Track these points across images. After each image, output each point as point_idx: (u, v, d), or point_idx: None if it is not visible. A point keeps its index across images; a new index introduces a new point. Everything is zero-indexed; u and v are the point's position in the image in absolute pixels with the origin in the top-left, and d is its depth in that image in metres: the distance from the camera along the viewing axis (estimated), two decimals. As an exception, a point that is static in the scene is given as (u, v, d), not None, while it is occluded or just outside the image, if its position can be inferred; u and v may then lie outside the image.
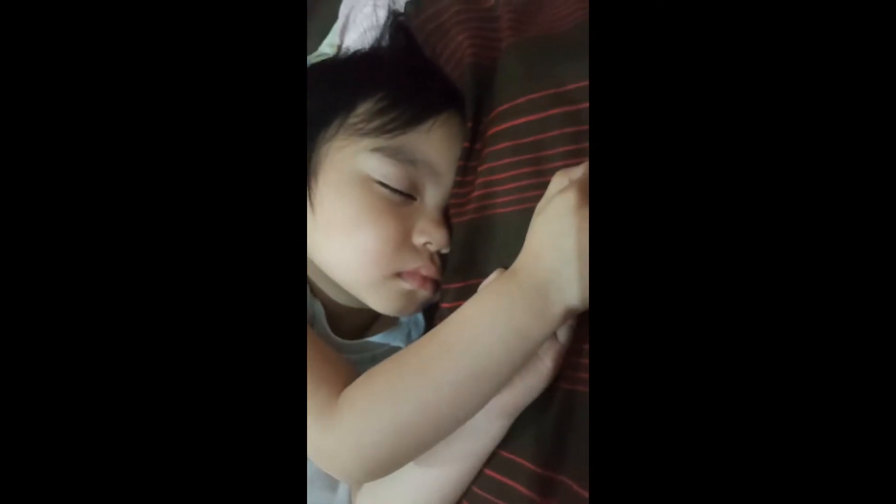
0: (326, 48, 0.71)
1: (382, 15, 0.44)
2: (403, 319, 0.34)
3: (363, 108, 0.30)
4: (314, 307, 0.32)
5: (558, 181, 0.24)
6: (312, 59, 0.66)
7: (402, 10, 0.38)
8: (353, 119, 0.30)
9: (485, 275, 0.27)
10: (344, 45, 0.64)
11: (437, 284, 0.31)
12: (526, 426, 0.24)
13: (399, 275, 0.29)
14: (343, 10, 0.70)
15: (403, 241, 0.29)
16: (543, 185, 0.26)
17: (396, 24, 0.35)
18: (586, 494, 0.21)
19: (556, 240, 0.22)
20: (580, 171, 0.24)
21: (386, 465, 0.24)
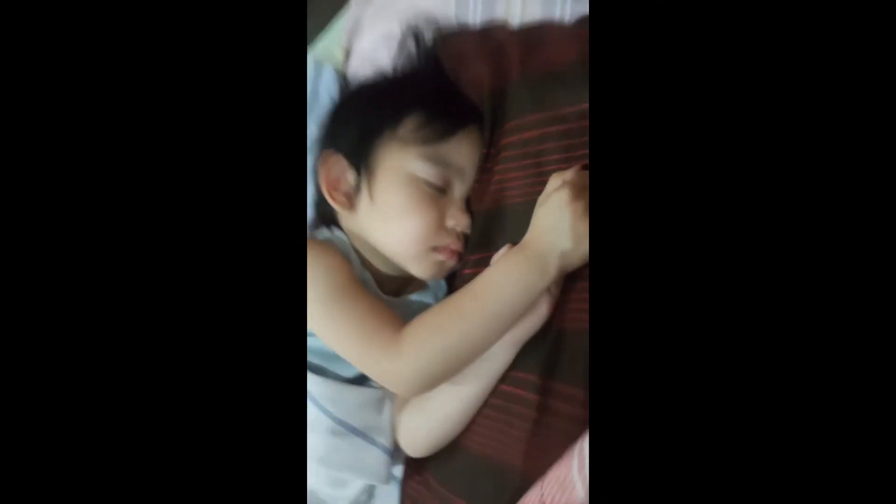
0: (335, 48, 0.76)
1: (397, 30, 0.52)
2: (431, 283, 0.44)
3: (408, 123, 0.39)
4: (364, 275, 0.41)
5: (554, 181, 0.34)
6: (321, 57, 0.72)
7: (428, 36, 0.46)
8: (400, 131, 0.39)
9: (496, 249, 0.37)
10: (353, 48, 0.70)
11: (460, 256, 0.40)
12: (529, 352, 0.34)
13: (435, 249, 0.39)
14: (352, 14, 0.75)
15: (439, 224, 0.39)
16: (542, 184, 0.35)
17: (428, 53, 0.44)
18: (573, 391, 0.31)
19: (555, 224, 0.32)
20: (571, 173, 0.34)
21: (437, 380, 0.34)
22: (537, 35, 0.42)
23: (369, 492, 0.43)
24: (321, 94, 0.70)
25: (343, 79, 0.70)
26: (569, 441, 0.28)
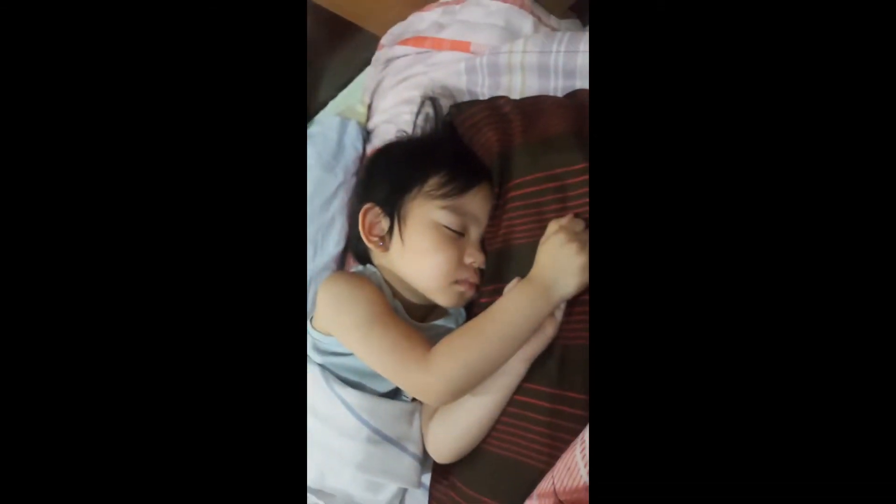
0: (357, 104, 0.87)
1: (416, 96, 0.62)
2: (452, 311, 0.51)
3: (433, 181, 0.48)
4: (395, 304, 0.49)
5: (552, 226, 0.42)
6: (345, 112, 0.82)
7: (444, 105, 0.56)
8: (427, 188, 0.48)
9: (507, 282, 0.44)
10: (375, 106, 0.80)
11: (477, 288, 0.48)
12: (538, 367, 0.41)
13: (456, 282, 0.47)
14: (373, 75, 0.86)
15: (459, 261, 0.47)
16: (542, 229, 0.44)
17: (445, 120, 0.54)
18: (576, 396, 0.37)
19: (554, 260, 0.40)
20: (566, 220, 0.42)
21: (461, 391, 0.41)
22: (535, 106, 0.51)
23: (401, 496, 0.49)
24: (346, 146, 0.79)
25: (365, 132, 0.80)
26: (574, 436, 0.35)
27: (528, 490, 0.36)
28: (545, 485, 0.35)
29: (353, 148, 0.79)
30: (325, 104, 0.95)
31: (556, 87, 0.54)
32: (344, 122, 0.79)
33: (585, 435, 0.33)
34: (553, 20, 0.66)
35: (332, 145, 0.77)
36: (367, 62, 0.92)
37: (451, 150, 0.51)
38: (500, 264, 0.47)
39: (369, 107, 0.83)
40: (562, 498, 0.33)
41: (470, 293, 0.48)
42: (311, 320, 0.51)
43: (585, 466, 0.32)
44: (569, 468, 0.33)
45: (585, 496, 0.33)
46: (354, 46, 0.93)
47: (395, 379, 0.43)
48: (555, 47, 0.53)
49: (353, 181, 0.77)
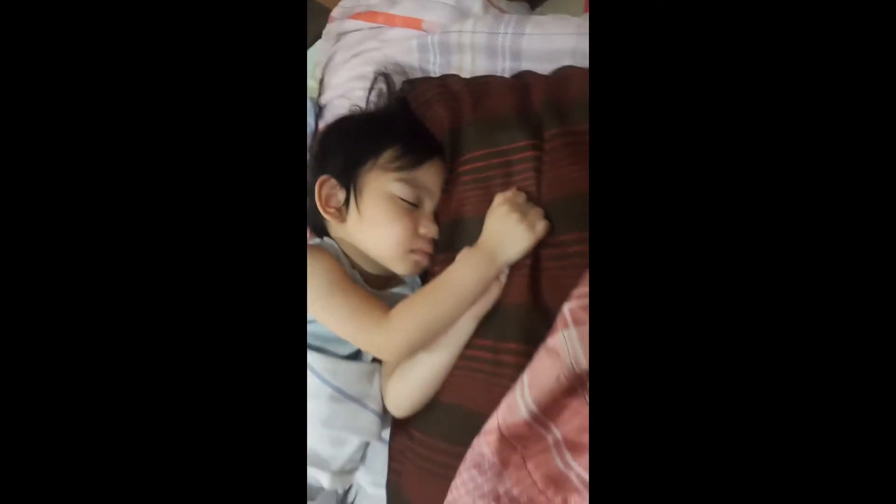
0: (309, 80, 0.85)
1: (369, 72, 0.63)
2: (408, 279, 0.55)
3: (388, 154, 0.50)
4: (353, 274, 0.51)
5: (497, 199, 0.47)
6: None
7: (398, 81, 0.58)
8: (381, 161, 0.50)
9: (457, 251, 0.48)
10: (327, 82, 0.80)
11: (431, 257, 0.52)
12: (484, 324, 0.46)
13: (412, 251, 0.50)
14: (324, 50, 0.84)
15: (414, 232, 0.50)
16: (489, 201, 0.48)
17: (399, 97, 0.55)
18: (516, 347, 0.42)
19: (499, 230, 0.45)
20: (510, 193, 0.46)
21: (417, 347, 0.45)
22: (484, 86, 0.55)
23: (363, 450, 0.53)
24: (298, 121, 0.79)
25: (318, 107, 0.79)
26: (514, 382, 0.40)
27: (477, 430, 0.42)
28: (491, 423, 0.40)
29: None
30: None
31: (504, 67, 0.57)
32: (296, 95, 0.78)
33: (524, 378, 0.38)
34: (502, 2, 0.68)
35: (284, 119, 0.76)
36: (317, 35, 0.90)
37: (405, 125, 0.53)
38: (452, 235, 0.50)
39: (321, 81, 0.82)
40: (504, 432, 0.39)
41: (425, 262, 0.52)
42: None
43: (524, 404, 0.38)
44: (510, 407, 0.38)
45: (524, 429, 0.38)
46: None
47: (355, 340, 0.46)
48: (502, 29, 0.56)
49: (307, 157, 0.77)
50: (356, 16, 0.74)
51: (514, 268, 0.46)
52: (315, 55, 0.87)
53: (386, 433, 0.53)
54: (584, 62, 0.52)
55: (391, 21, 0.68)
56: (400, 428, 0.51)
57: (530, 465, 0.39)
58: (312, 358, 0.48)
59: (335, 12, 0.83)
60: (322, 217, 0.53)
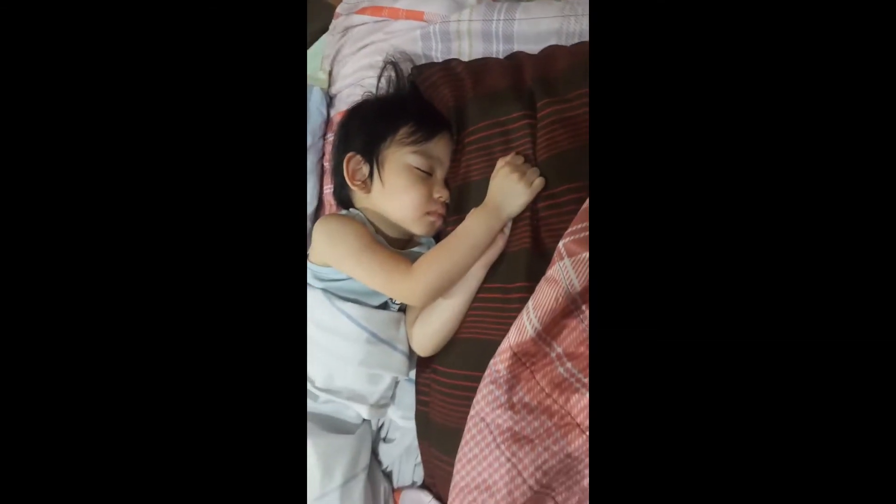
0: (319, 72, 0.92)
1: (378, 61, 0.70)
2: (424, 240, 0.63)
3: (403, 131, 0.58)
4: (379, 238, 0.59)
5: (499, 163, 0.55)
6: (313, 81, 0.88)
7: (406, 68, 0.66)
8: (398, 137, 0.58)
9: (467, 211, 0.56)
10: (337, 73, 0.87)
11: (444, 218, 0.60)
12: (494, 270, 0.54)
13: (428, 213, 0.58)
14: (331, 43, 0.91)
15: (429, 196, 0.58)
16: (492, 166, 0.56)
17: (409, 81, 0.63)
18: (520, 285, 0.50)
19: (502, 188, 0.53)
20: (510, 157, 0.54)
21: (438, 293, 0.53)
22: (482, 67, 0.62)
23: (393, 388, 0.62)
24: (312, 111, 0.86)
25: (328, 97, 0.87)
26: (520, 311, 0.48)
27: (491, 356, 0.50)
28: (503, 345, 0.48)
29: (318, 112, 0.86)
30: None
31: (498, 50, 0.65)
32: (308, 88, 0.85)
33: (530, 304, 0.47)
34: (493, -9, 0.75)
35: (299, 110, 0.83)
36: (321, 31, 0.97)
37: (416, 105, 0.61)
38: (461, 198, 0.58)
39: (330, 73, 0.89)
40: (515, 350, 0.47)
41: (439, 223, 0.60)
42: (307, 257, 0.61)
43: (531, 325, 0.46)
44: (519, 329, 0.47)
45: (532, 346, 0.47)
46: (309, 16, 0.97)
47: (386, 290, 0.55)
48: (495, 16, 0.63)
49: (320, 143, 0.85)
50: (361, 11, 0.81)
51: (516, 220, 0.54)
52: (322, 49, 0.94)
53: (412, 373, 0.62)
54: (567, 41, 0.59)
55: (395, 14, 0.75)
56: (424, 366, 0.60)
57: (538, 376, 0.47)
58: (349, 308, 0.56)
59: (340, 8, 0.89)
60: (349, 190, 0.61)
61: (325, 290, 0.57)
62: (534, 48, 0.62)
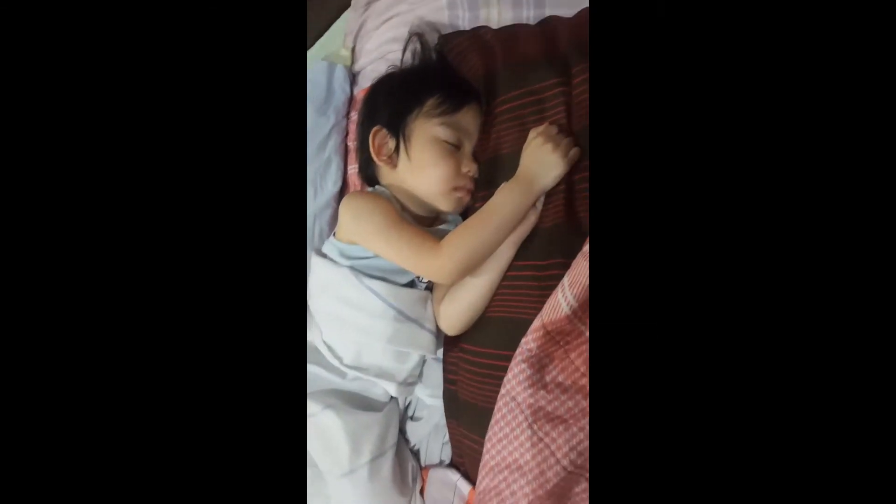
0: (341, 50, 0.91)
1: (403, 32, 0.68)
2: (451, 218, 0.61)
3: (430, 102, 0.56)
4: (405, 216, 0.58)
5: (532, 133, 0.52)
6: (331, 58, 0.87)
7: (432, 38, 0.63)
8: (426, 109, 0.56)
9: (496, 187, 0.54)
10: (360, 49, 0.85)
11: (472, 194, 0.58)
12: (527, 247, 0.52)
13: (455, 189, 0.57)
14: (353, 19, 0.89)
15: (457, 170, 0.56)
16: (523, 139, 0.53)
17: (437, 52, 0.61)
18: (557, 262, 0.48)
19: (535, 160, 0.50)
20: (543, 127, 0.51)
21: (467, 270, 0.52)
22: (512, 33, 0.59)
23: (420, 367, 0.61)
24: (335, 89, 0.85)
25: (351, 74, 0.85)
26: (555, 287, 0.46)
27: (521, 334, 0.48)
28: (536, 323, 0.46)
29: (341, 91, 0.84)
30: (303, 52, 0.98)
31: (529, 16, 0.61)
32: (331, 66, 0.84)
33: (565, 280, 0.45)
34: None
35: (321, 90, 0.82)
36: (344, 7, 0.95)
37: (443, 75, 0.58)
38: (491, 172, 0.56)
39: (353, 50, 0.88)
40: (548, 328, 0.45)
41: (467, 198, 0.58)
42: (333, 235, 0.60)
43: (566, 302, 0.44)
44: (553, 306, 0.45)
45: (566, 324, 0.45)
46: (332, -9, 0.95)
47: (414, 267, 0.54)
48: (525, -20, 0.60)
49: (344, 122, 0.83)
50: (384, -18, 0.79)
51: (550, 193, 0.51)
52: (344, 26, 0.92)
53: (440, 352, 0.61)
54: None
55: (419, -17, 0.73)
56: (452, 345, 0.59)
57: (573, 355, 0.45)
58: (377, 285, 0.55)
59: (362, -18, 0.87)
60: (374, 167, 0.60)
61: (352, 268, 0.56)
62: (568, 12, 0.58)
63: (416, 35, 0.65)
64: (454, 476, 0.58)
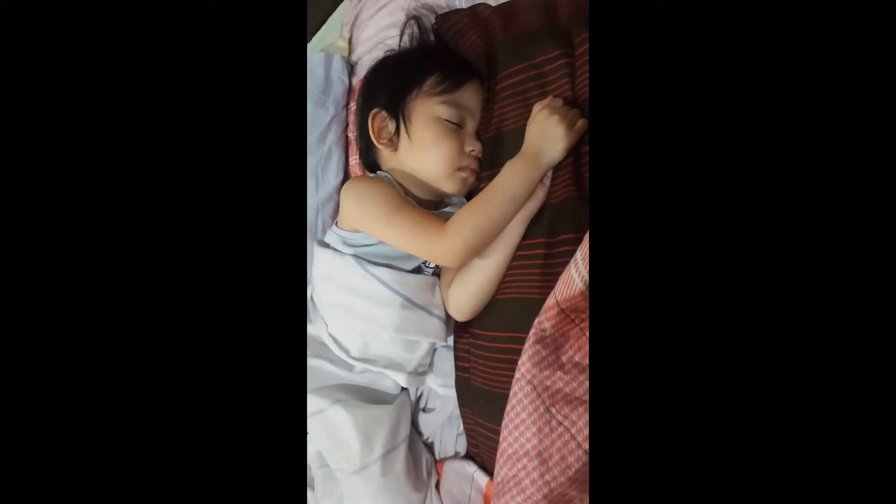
0: (338, 41, 0.90)
1: (400, 18, 0.67)
2: (455, 199, 0.60)
3: (429, 82, 0.54)
4: (410, 200, 0.56)
5: (536, 108, 0.50)
6: (328, 49, 0.86)
7: (429, 19, 0.62)
8: (425, 88, 0.54)
9: (501, 165, 0.52)
10: (357, 38, 0.84)
11: (476, 174, 0.56)
12: (536, 223, 0.50)
13: (459, 169, 0.55)
14: (349, 11, 0.88)
15: (460, 150, 0.54)
16: (527, 114, 0.51)
17: (434, 31, 0.59)
18: (567, 238, 0.46)
19: (541, 133, 0.48)
20: (547, 100, 0.50)
21: (475, 251, 0.50)
22: (511, 8, 0.58)
23: (430, 356, 0.59)
24: (333, 80, 0.84)
25: (349, 65, 0.84)
26: (567, 265, 0.44)
27: (534, 314, 0.46)
28: (549, 301, 0.44)
29: (340, 82, 0.83)
30: (301, 44, 0.98)
31: (528, -9, 0.60)
32: (329, 57, 0.83)
33: (577, 255, 0.43)
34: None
35: (320, 81, 0.81)
36: (338, 1, 0.94)
37: (442, 53, 0.57)
38: (495, 150, 0.54)
39: (349, 41, 0.87)
40: (563, 306, 0.43)
41: (471, 179, 0.56)
42: (336, 224, 0.58)
43: (579, 276, 0.42)
44: (566, 282, 0.43)
45: (581, 301, 0.43)
46: (327, -16, 0.95)
47: (420, 251, 0.52)
48: (523, -45, 0.58)
49: (343, 114, 0.82)
50: (378, -31, 0.78)
51: (558, 168, 0.49)
52: (340, 17, 0.91)
53: (450, 339, 0.59)
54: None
55: (414, -34, 0.71)
56: (462, 331, 0.57)
57: (589, 333, 0.43)
58: (382, 272, 0.53)
59: (356, -28, 0.86)
60: (375, 151, 0.59)
61: (355, 256, 0.54)
62: (568, -16, 0.56)
63: (414, 18, 0.64)
64: (471, 468, 0.56)
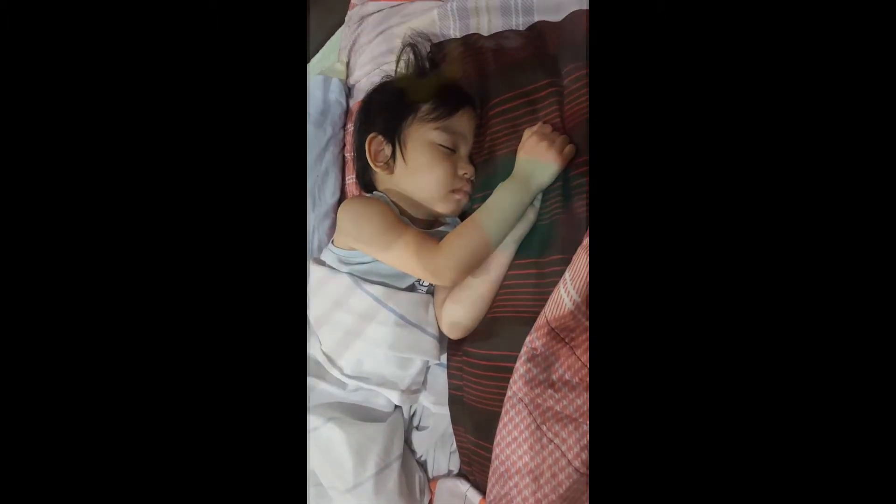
0: (336, 64, 0.93)
1: (397, 44, 0.69)
2: (449, 220, 0.61)
3: (424, 108, 0.56)
4: (405, 219, 0.58)
5: (526, 133, 0.52)
6: (327, 72, 0.88)
7: (425, 47, 0.64)
8: (420, 114, 0.56)
9: (493, 189, 0.54)
10: (354, 63, 0.87)
11: (469, 196, 0.58)
12: (526, 245, 0.52)
13: (453, 191, 0.57)
14: (347, 36, 0.91)
15: (454, 173, 0.56)
16: (518, 139, 0.54)
17: (430, 59, 0.62)
18: (557, 258, 0.48)
19: (531, 158, 0.50)
20: (537, 126, 0.52)
21: (467, 270, 0.51)
22: (503, 39, 0.60)
23: (424, 373, 0.60)
24: (331, 102, 0.86)
25: (347, 88, 0.87)
26: (556, 283, 0.46)
27: (526, 333, 0.48)
28: (540, 320, 0.46)
29: (337, 104, 0.86)
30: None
31: (518, 23, 0.63)
32: (327, 80, 0.85)
33: (566, 275, 0.44)
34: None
35: (318, 103, 0.84)
36: (338, 24, 0.97)
37: (436, 81, 0.59)
38: (487, 174, 0.56)
39: (347, 64, 0.89)
40: (553, 325, 0.44)
41: (465, 201, 0.58)
42: (332, 242, 0.60)
43: (568, 297, 0.43)
44: (556, 302, 0.44)
45: (570, 320, 0.44)
46: (325, 8, 0.98)
47: (414, 270, 0.53)
48: (513, -11, 0.61)
49: (341, 134, 0.84)
50: (376, -3, 0.81)
51: (547, 191, 0.51)
52: (339, 41, 0.94)
53: (443, 357, 0.60)
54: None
55: (410, -4, 0.75)
56: (455, 349, 0.58)
57: (578, 352, 0.44)
58: (376, 290, 0.55)
59: (355, -1, 0.89)
60: (371, 173, 0.60)
61: (350, 274, 0.56)
62: (556, 17, 0.59)
63: (409, 45, 0.66)
64: (463, 486, 0.56)
